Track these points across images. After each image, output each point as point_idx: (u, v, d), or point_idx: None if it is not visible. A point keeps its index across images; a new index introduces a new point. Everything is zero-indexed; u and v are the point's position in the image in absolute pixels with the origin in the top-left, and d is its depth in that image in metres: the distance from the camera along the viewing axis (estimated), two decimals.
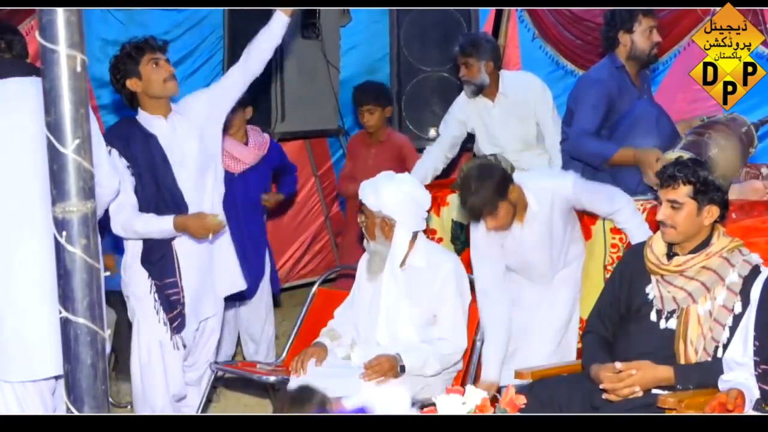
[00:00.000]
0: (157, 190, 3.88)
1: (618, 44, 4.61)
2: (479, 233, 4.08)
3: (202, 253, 4.03)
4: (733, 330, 3.17)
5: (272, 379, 4.11)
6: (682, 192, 3.32)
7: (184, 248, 3.95)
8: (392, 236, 3.84)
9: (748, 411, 2.84)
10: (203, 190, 3.99)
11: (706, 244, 3.35)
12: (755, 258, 3.34)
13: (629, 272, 3.50)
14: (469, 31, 5.90)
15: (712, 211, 3.33)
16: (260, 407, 4.95)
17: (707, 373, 3.16)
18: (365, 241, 3.96)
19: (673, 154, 4.31)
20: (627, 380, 3.23)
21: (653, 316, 3.38)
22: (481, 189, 3.81)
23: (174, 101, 4.03)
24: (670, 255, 3.40)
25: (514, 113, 5.14)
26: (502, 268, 4.11)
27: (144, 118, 3.93)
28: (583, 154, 4.55)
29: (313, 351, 3.90)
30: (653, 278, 3.41)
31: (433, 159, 5.26)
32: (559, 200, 4.04)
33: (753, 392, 2.86)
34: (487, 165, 4.01)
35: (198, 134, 3.98)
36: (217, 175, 4.07)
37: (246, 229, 5.14)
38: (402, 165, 5.42)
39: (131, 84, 3.89)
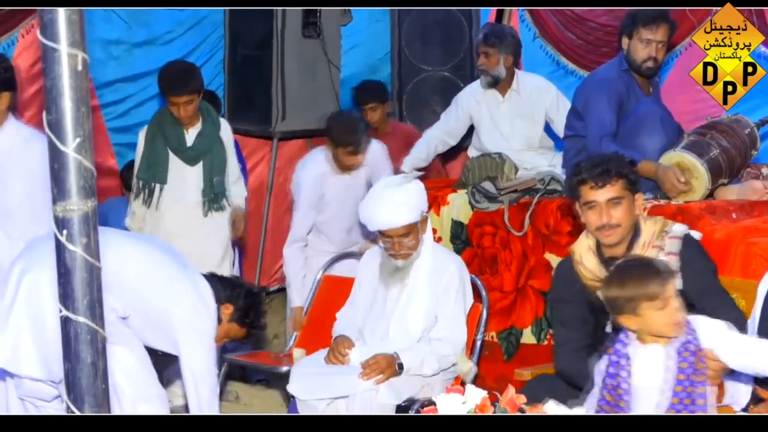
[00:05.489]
0: None
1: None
2: None
3: None
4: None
5: (284, 369, 4.07)
6: (619, 186, 3.18)
7: None
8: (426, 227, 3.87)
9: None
10: None
11: (636, 235, 3.23)
12: (679, 230, 3.23)
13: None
14: (494, 23, 5.86)
15: (640, 200, 3.26)
16: (261, 398, 4.95)
17: None
18: (398, 261, 3.80)
19: (673, 154, 4.31)
20: None
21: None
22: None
23: None
24: (604, 262, 3.19)
25: (522, 112, 5.14)
26: None
27: None
28: None
29: (340, 341, 3.85)
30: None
31: (432, 140, 5.26)
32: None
33: (740, 391, 2.81)
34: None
35: None
36: None
37: None
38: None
39: None
